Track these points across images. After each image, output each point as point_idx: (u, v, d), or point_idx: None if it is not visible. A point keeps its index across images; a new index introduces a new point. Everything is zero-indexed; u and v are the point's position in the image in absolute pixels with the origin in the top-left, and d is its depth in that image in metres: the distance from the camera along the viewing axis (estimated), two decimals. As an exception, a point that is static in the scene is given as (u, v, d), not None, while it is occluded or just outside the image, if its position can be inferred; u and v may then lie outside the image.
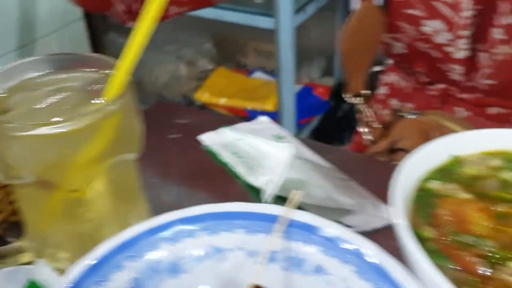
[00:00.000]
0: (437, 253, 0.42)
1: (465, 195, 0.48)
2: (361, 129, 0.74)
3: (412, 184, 0.48)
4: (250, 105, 2.07)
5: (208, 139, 0.68)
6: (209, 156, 0.66)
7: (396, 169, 0.46)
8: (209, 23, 2.05)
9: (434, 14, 0.66)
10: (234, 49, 2.25)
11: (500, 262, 0.41)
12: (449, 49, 0.68)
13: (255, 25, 1.83)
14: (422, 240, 0.44)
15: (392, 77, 0.83)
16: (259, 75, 2.20)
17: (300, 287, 0.45)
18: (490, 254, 0.42)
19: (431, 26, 0.68)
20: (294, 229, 0.45)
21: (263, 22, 1.80)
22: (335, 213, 0.58)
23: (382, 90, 0.85)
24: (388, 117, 0.78)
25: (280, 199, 0.58)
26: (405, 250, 0.41)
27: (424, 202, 0.47)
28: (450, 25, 0.66)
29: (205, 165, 0.67)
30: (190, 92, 2.16)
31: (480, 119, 0.74)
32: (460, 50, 0.67)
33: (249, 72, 2.21)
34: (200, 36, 2.23)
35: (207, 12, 1.91)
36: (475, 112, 0.74)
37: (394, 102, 0.83)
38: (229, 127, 0.71)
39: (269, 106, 2.05)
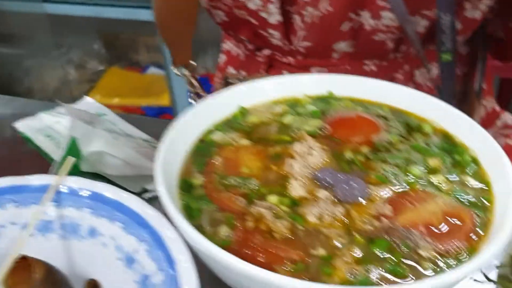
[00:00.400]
0: (203, 197, 0.43)
1: (244, 142, 0.49)
2: (191, 101, 0.74)
3: (194, 137, 0.49)
4: (145, 102, 2.03)
5: (23, 125, 0.65)
6: (25, 141, 0.64)
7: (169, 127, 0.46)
8: (96, 22, 1.99)
9: None
10: (125, 47, 2.20)
11: (261, 198, 0.42)
12: (263, 14, 0.69)
13: (136, 19, 1.80)
14: (191, 187, 0.44)
15: (228, 45, 0.84)
16: (153, 71, 2.16)
17: (79, 253, 0.44)
18: (252, 192, 0.43)
19: None
20: (66, 195, 0.44)
21: (144, 15, 1.77)
22: (144, 180, 0.57)
23: (221, 58, 0.86)
24: (219, 85, 0.78)
25: (89, 175, 0.57)
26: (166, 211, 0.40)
27: (202, 153, 0.47)
28: None
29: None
30: (81, 95, 2.09)
31: None
32: (273, 15, 0.68)
33: (142, 68, 2.17)
34: (88, 37, 2.17)
35: (85, 10, 1.86)
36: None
37: (231, 70, 0.83)
38: (47, 111, 0.69)
39: (165, 101, 2.03)
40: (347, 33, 0.67)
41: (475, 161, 0.45)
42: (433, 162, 0.45)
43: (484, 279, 0.40)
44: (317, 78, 0.56)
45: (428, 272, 0.36)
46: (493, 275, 0.40)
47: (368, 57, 0.71)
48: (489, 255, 0.34)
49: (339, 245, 0.38)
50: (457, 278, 0.33)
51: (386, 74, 0.72)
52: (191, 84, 0.73)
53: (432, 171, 0.44)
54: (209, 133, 0.50)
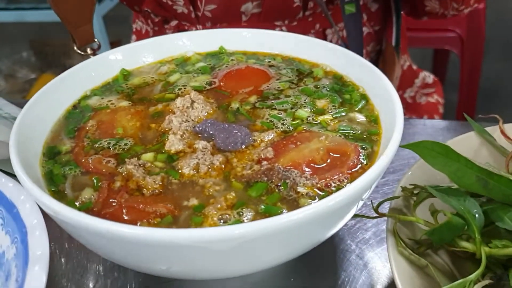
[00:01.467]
0: (69, 162, 0.38)
1: (123, 104, 0.45)
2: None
3: (66, 103, 0.44)
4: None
5: None
6: None
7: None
8: (23, 29, 1.90)
9: None
10: (56, 53, 2.12)
11: (134, 157, 0.38)
12: None
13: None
14: (58, 153, 0.40)
15: (138, 24, 0.80)
16: (88, 74, 2.09)
17: None
18: (124, 152, 0.39)
19: None
20: None
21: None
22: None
23: (132, 39, 0.82)
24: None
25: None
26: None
27: (75, 118, 0.43)
28: None
29: None
30: (14, 105, 1.99)
31: None
32: None
33: (77, 73, 2.10)
34: (16, 45, 2.07)
35: (9, 16, 1.77)
36: None
37: None
38: None
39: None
40: None
41: (364, 98, 0.43)
42: (321, 103, 0.42)
43: (374, 213, 0.37)
44: (208, 34, 0.53)
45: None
46: (386, 209, 0.38)
47: (278, 18, 0.68)
48: (364, 181, 0.32)
49: (214, 193, 0.35)
50: (331, 205, 0.30)
51: (297, 33, 0.70)
52: None
53: (320, 111, 0.42)
54: (84, 98, 0.46)
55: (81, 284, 0.41)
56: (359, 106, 0.42)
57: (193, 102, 0.43)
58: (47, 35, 2.08)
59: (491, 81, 2.53)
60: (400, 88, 0.84)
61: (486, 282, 0.30)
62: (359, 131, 0.39)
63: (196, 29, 0.70)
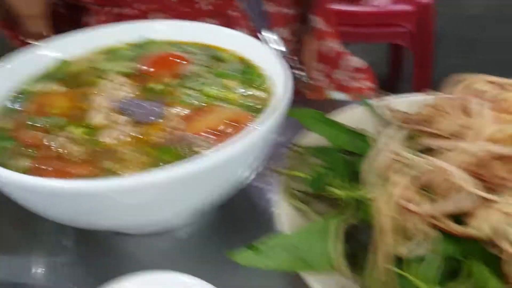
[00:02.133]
0: (8, 138, 0.45)
1: (59, 89, 0.51)
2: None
3: (10, 89, 0.51)
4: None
5: None
6: None
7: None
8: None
9: None
10: None
11: (63, 130, 0.45)
12: None
13: None
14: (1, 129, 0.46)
15: (89, 18, 0.85)
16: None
17: None
18: (56, 127, 0.45)
19: None
20: None
21: None
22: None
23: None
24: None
25: None
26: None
27: (17, 102, 0.49)
28: None
29: None
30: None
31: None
32: None
33: None
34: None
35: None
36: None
37: None
38: None
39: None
40: None
41: (264, 77, 0.50)
42: (227, 82, 0.50)
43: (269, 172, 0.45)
44: (135, 27, 0.59)
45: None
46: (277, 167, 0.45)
47: None
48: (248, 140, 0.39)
49: (130, 157, 0.42)
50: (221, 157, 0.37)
51: (222, 12, 0.76)
52: None
53: (227, 89, 0.49)
54: (27, 84, 0.52)
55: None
56: (258, 84, 0.49)
57: (116, 84, 0.50)
58: None
59: (446, 75, 2.65)
60: (327, 68, 0.90)
61: (344, 217, 0.38)
62: (257, 104, 0.47)
63: (130, 11, 0.75)
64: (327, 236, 0.37)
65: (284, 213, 0.40)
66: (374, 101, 0.52)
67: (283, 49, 0.75)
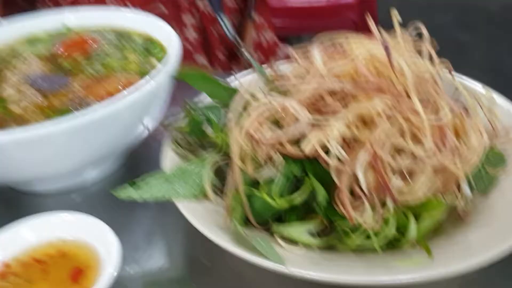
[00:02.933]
0: None
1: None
2: None
3: None
4: None
5: None
6: None
7: None
8: None
9: None
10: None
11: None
12: None
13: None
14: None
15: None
16: None
17: None
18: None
19: None
20: None
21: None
22: None
23: None
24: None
25: None
26: None
27: None
28: None
29: None
30: None
31: None
32: None
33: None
34: None
35: None
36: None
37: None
38: None
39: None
40: None
41: (163, 49, 0.56)
42: (130, 55, 0.56)
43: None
44: (54, 16, 0.64)
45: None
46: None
47: None
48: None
49: (33, 121, 0.47)
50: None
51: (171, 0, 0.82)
52: None
53: (129, 62, 0.55)
54: None
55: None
56: (158, 56, 0.55)
57: (29, 62, 0.55)
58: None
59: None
60: (264, 56, 0.98)
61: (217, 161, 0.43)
62: (152, 71, 0.53)
63: None
64: (201, 172, 0.42)
65: (167, 157, 0.45)
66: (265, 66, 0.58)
67: (232, 31, 0.83)
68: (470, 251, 0.36)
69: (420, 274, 0.35)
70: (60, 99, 0.50)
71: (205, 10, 0.85)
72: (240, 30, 0.91)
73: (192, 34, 0.84)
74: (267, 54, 0.98)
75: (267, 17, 0.98)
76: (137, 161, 0.54)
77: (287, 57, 1.06)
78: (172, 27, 0.85)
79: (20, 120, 0.48)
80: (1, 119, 0.48)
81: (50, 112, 0.48)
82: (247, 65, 0.88)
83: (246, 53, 0.83)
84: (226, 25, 0.81)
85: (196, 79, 0.49)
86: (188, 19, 0.83)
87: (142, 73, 0.52)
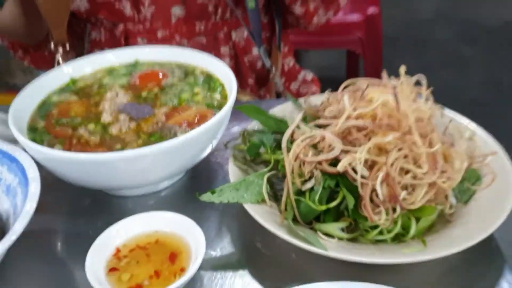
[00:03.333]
0: (44, 133, 0.65)
1: (73, 98, 0.72)
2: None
3: (36, 101, 0.71)
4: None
5: None
6: None
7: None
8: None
9: None
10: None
11: (83, 126, 0.65)
12: None
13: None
14: (37, 129, 0.66)
15: (93, 34, 1.05)
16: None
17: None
18: (77, 124, 0.66)
19: None
20: None
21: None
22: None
23: (87, 47, 1.07)
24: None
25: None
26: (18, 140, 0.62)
27: (44, 109, 0.70)
28: None
29: None
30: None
31: (153, 43, 0.99)
32: None
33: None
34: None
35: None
36: (149, 38, 0.99)
37: (97, 52, 1.05)
38: None
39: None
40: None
41: (222, 86, 0.72)
42: (196, 89, 0.71)
43: (224, 147, 0.66)
44: (128, 52, 0.80)
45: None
46: (231, 144, 0.66)
47: (197, 19, 0.96)
48: (214, 120, 0.61)
49: (130, 141, 0.63)
50: (193, 135, 0.59)
51: (212, 33, 0.99)
52: (58, 63, 0.92)
53: (195, 94, 0.70)
54: (49, 97, 0.72)
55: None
56: (218, 90, 0.71)
57: (117, 93, 0.70)
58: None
59: (398, 75, 2.91)
60: (287, 80, 1.14)
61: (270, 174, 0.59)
62: (215, 103, 0.68)
63: (139, 28, 0.97)
64: (259, 182, 0.58)
65: (232, 170, 0.60)
66: (300, 99, 0.74)
67: (269, 61, 0.99)
68: (453, 243, 0.52)
69: (418, 257, 0.51)
70: (147, 124, 0.65)
71: (239, 42, 1.00)
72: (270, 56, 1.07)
73: (227, 62, 0.99)
74: (289, 79, 1.13)
75: (290, 45, 1.13)
76: (198, 171, 0.69)
77: (307, 81, 1.23)
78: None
79: (118, 140, 0.63)
80: (104, 139, 0.63)
81: (141, 134, 0.64)
82: (277, 92, 1.04)
83: (278, 82, 0.98)
84: (265, 55, 0.97)
85: (251, 111, 0.65)
86: (224, 49, 0.99)
87: (208, 105, 0.68)
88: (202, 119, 0.65)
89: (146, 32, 0.97)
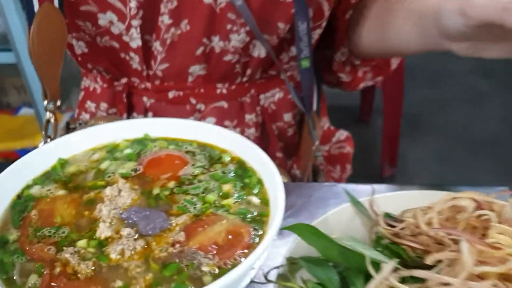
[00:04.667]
0: (16, 251, 0.46)
1: (60, 192, 0.53)
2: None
3: (12, 193, 0.53)
4: (20, 145, 1.97)
5: None
6: None
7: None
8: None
9: (106, 7, 0.72)
10: (-9, 89, 2.12)
11: (71, 243, 0.47)
12: (125, 38, 0.74)
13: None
14: (7, 242, 0.48)
15: (86, 82, 0.87)
16: (26, 111, 2.11)
17: None
18: (62, 239, 0.47)
19: (105, 18, 0.73)
20: None
21: (4, 57, 1.74)
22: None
23: (81, 95, 0.89)
24: (62, 131, 0.81)
25: None
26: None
27: (19, 208, 0.51)
28: (121, 16, 0.73)
29: None
30: (-50, 147, 1.98)
31: (162, 104, 0.83)
32: (134, 40, 0.74)
33: (14, 110, 2.11)
34: (-50, 84, 2.06)
35: None
36: (157, 99, 0.82)
37: (90, 105, 0.87)
38: None
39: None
40: (200, 57, 0.75)
41: (260, 182, 0.53)
42: (226, 187, 0.53)
43: (264, 280, 0.48)
44: (135, 123, 0.62)
45: (209, 284, 0.43)
46: (273, 276, 0.48)
47: (220, 81, 0.79)
48: (253, 258, 0.42)
49: (135, 274, 0.44)
50: (227, 282, 0.40)
51: (235, 97, 0.81)
52: (47, 122, 0.74)
53: (225, 195, 0.52)
54: (27, 187, 0.54)
55: None
56: (256, 190, 0.52)
57: (120, 190, 0.52)
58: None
59: (416, 107, 2.77)
60: (322, 141, 0.96)
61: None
62: (254, 213, 0.50)
63: (145, 86, 0.79)
64: None
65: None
66: (363, 200, 0.56)
67: (316, 133, 0.81)
68: None
69: None
70: (160, 244, 0.47)
71: (268, 107, 0.83)
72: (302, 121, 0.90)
73: (252, 132, 0.82)
74: (322, 142, 0.96)
75: (324, 104, 0.96)
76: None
77: (341, 141, 1.05)
78: (234, 125, 0.82)
79: (119, 271, 0.45)
80: (99, 268, 0.45)
81: (151, 262, 0.45)
82: (314, 166, 0.86)
83: (320, 155, 0.81)
84: (312, 124, 0.79)
85: (307, 233, 0.46)
86: (249, 117, 0.81)
87: (243, 216, 0.50)
88: (236, 241, 0.47)
89: (154, 91, 0.79)
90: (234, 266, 0.44)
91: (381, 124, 2.26)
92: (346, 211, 0.56)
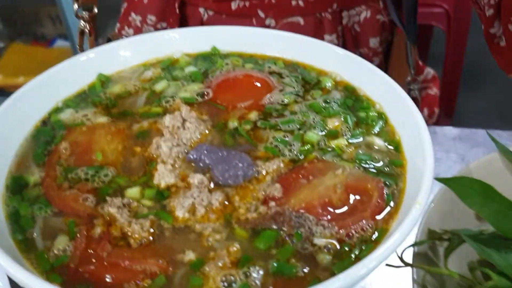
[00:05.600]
0: (38, 198, 0.32)
1: (101, 120, 0.38)
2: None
3: (34, 118, 0.38)
4: (54, 79, 1.86)
5: None
6: None
7: None
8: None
9: None
10: (27, 20, 1.99)
11: (117, 192, 0.32)
12: None
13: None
14: (25, 186, 0.33)
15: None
16: (61, 44, 1.97)
17: None
18: (105, 186, 0.33)
19: None
20: None
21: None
22: None
23: (123, 7, 0.74)
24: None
25: None
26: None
27: (44, 138, 0.37)
28: None
29: None
30: (-18, 77, 1.88)
31: (222, 17, 0.67)
32: None
33: (49, 42, 1.97)
34: (-19, 12, 1.93)
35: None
36: (217, 10, 0.66)
37: (135, 17, 0.72)
38: None
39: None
40: None
41: (382, 117, 0.37)
42: (333, 123, 0.37)
43: (400, 263, 0.33)
44: (198, 31, 0.46)
45: (326, 265, 0.28)
46: (409, 257, 0.33)
47: None
48: (402, 236, 0.27)
49: (214, 244, 0.29)
50: (364, 272, 0.26)
51: (314, 12, 0.64)
52: (81, 33, 0.60)
53: (332, 134, 0.36)
54: (56, 111, 0.39)
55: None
56: (377, 128, 0.36)
57: (184, 120, 0.37)
58: (16, 1, 1.95)
59: (474, 56, 2.51)
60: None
61: None
62: (380, 162, 0.34)
63: None
64: None
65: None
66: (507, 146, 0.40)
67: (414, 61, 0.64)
68: None
69: None
70: (246, 200, 0.32)
71: (351, 28, 0.66)
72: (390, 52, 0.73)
73: None
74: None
75: None
76: None
77: (428, 80, 0.88)
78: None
79: (187, 238, 0.30)
80: (160, 234, 0.30)
81: (236, 227, 0.30)
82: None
83: (417, 89, 0.63)
84: (411, 53, 0.62)
85: (472, 192, 0.30)
86: (329, 38, 0.65)
87: (362, 161, 0.34)
88: (360, 201, 0.31)
89: (214, 0, 0.62)
90: (362, 240, 0.29)
91: (439, 73, 2.04)
92: (494, 162, 0.39)
